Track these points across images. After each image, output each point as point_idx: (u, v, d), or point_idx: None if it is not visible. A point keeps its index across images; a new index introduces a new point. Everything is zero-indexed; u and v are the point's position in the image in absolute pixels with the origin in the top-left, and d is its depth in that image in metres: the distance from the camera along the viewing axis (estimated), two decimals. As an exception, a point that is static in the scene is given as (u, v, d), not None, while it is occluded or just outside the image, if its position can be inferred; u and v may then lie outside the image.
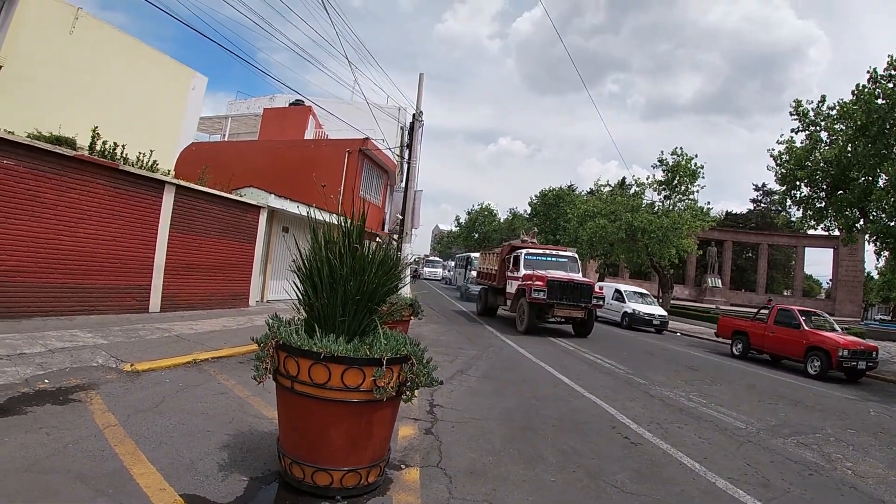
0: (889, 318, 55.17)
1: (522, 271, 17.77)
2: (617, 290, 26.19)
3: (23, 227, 8.15)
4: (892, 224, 17.78)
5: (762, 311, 18.18)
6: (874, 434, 7.79)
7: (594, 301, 16.75)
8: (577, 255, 20.38)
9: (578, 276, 18.09)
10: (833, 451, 6.53)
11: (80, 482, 3.45)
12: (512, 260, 19.18)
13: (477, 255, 33.22)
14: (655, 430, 6.61)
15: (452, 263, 52.78)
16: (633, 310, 24.33)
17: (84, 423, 4.49)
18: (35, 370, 5.53)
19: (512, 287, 18.39)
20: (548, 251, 20.05)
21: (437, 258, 73.54)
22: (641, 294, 26.78)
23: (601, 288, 17.49)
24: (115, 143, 9.96)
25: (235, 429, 4.90)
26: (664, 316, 24.86)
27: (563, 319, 16.92)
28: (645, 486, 4.73)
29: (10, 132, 8.23)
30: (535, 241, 22.63)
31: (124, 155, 10.11)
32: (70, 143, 9.23)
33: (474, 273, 28.99)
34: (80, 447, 4.00)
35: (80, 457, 3.85)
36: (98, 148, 9.74)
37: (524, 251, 18.99)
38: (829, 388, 12.27)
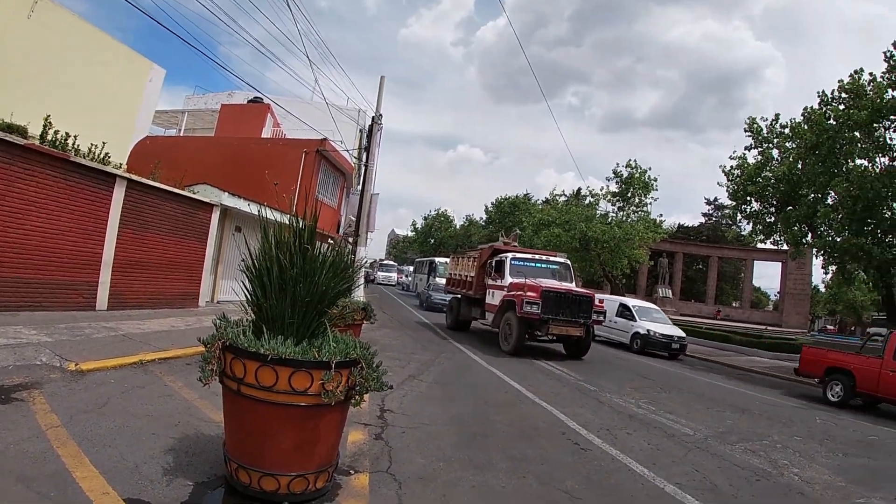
0: (835, 329, 57.41)
1: (508, 279, 15.11)
2: (623, 306, 21.35)
3: (-34, 217, 7.83)
4: (839, 240, 18.48)
5: (874, 337, 14.24)
6: (819, 441, 7.99)
7: (594, 316, 14.10)
8: (569, 262, 17.83)
9: (574, 287, 15.78)
10: (780, 458, 6.64)
11: (22, 484, 3.36)
12: (494, 265, 16.26)
13: (444, 259, 32.28)
14: (605, 437, 6.70)
15: (410, 268, 51.17)
16: (648, 330, 19.54)
17: (26, 423, 4.36)
18: None
19: (494, 298, 15.72)
20: (538, 256, 17.19)
21: (391, 262, 69.53)
22: (652, 310, 22.24)
23: (601, 301, 14.75)
24: (67, 134, 9.65)
25: (181, 432, 4.78)
26: (683, 338, 20.24)
27: (554, 338, 14.36)
28: (594, 492, 4.78)
29: (-43, 118, 7.90)
30: (516, 244, 19.46)
31: (76, 146, 9.79)
32: (21, 132, 8.89)
33: (440, 280, 27.39)
34: (22, 448, 3.88)
35: (22, 458, 3.73)
36: (50, 138, 9.43)
37: (510, 255, 16.06)
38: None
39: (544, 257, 17.22)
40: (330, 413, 3.70)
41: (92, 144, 10.24)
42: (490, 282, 16.28)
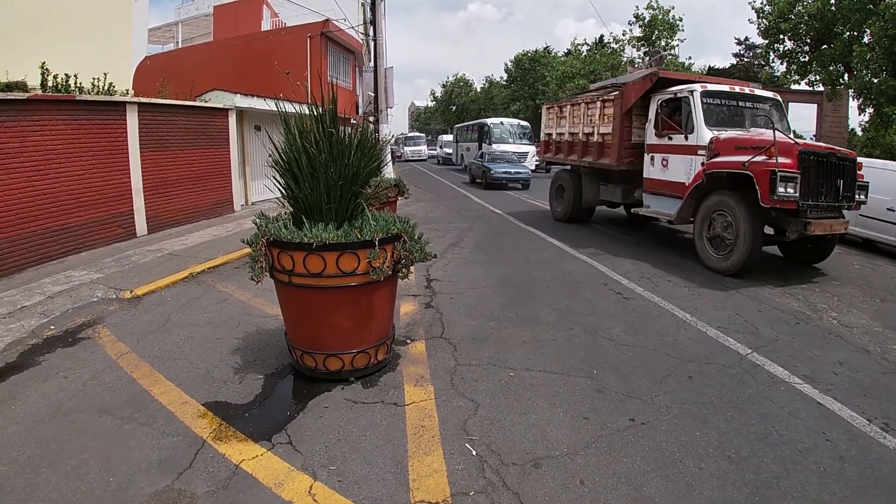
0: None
1: (704, 132, 8.59)
2: None
3: (-9, 182, 7.92)
4: (875, 81, 17.57)
5: None
6: (858, 286, 7.53)
7: (859, 196, 7.81)
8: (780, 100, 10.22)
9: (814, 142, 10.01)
10: (818, 302, 6.51)
11: (106, 414, 3.55)
12: (664, 107, 9.51)
13: (497, 120, 30.98)
14: (646, 285, 6.84)
15: (445, 137, 47.07)
16: None
17: (97, 358, 4.54)
18: (39, 319, 5.52)
19: (670, 168, 9.32)
20: (745, 90, 9.72)
21: (418, 134, 61.21)
22: None
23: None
24: (66, 75, 9.45)
25: (243, 332, 5.05)
26: None
27: (809, 244, 8.45)
28: (639, 338, 4.97)
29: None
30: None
31: (79, 84, 9.64)
32: (21, 87, 8.74)
33: (499, 147, 26.23)
34: (99, 381, 4.07)
35: (101, 390, 3.92)
36: (50, 84, 9.27)
37: (699, 89, 8.98)
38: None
39: (751, 91, 9.84)
40: (380, 289, 3.86)
41: (94, 78, 10.06)
42: (655, 140, 9.69)
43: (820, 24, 19.93)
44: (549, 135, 13.47)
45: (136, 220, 10.41)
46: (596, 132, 11.20)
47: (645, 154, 9.95)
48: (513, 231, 11.15)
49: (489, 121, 30.86)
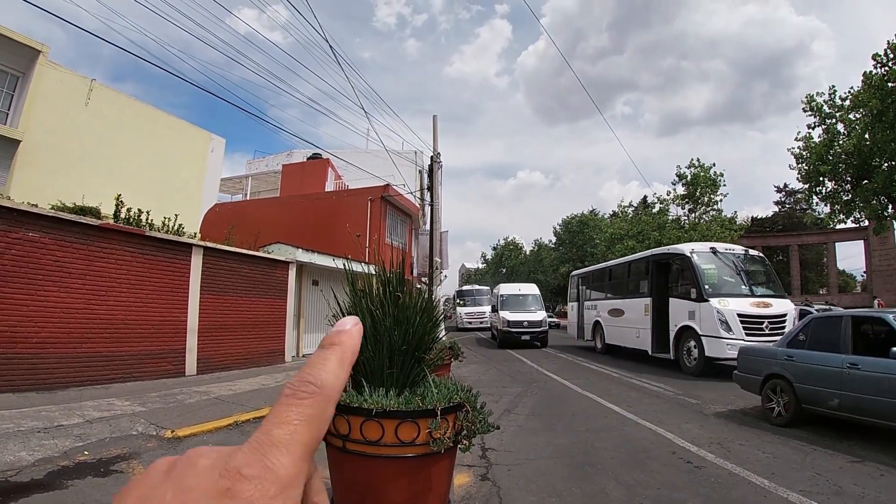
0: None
1: None
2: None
3: (53, 297, 8.23)
4: None
5: None
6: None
7: None
8: None
9: None
10: None
11: None
12: None
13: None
14: (717, 451, 6.33)
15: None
16: None
17: None
18: (74, 442, 5.48)
19: None
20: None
21: (480, 287, 41.32)
22: None
23: None
24: (139, 210, 10.08)
25: (286, 492, 4.75)
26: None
27: None
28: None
29: (33, 204, 8.36)
30: None
31: (150, 220, 10.22)
32: (94, 213, 9.35)
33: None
34: None
35: None
36: (123, 216, 9.86)
37: None
38: None
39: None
40: (439, 461, 3.59)
41: (165, 218, 10.66)
42: None
43: (858, 159, 20.14)
44: None
45: (187, 358, 10.48)
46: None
47: None
48: (571, 397, 10.67)
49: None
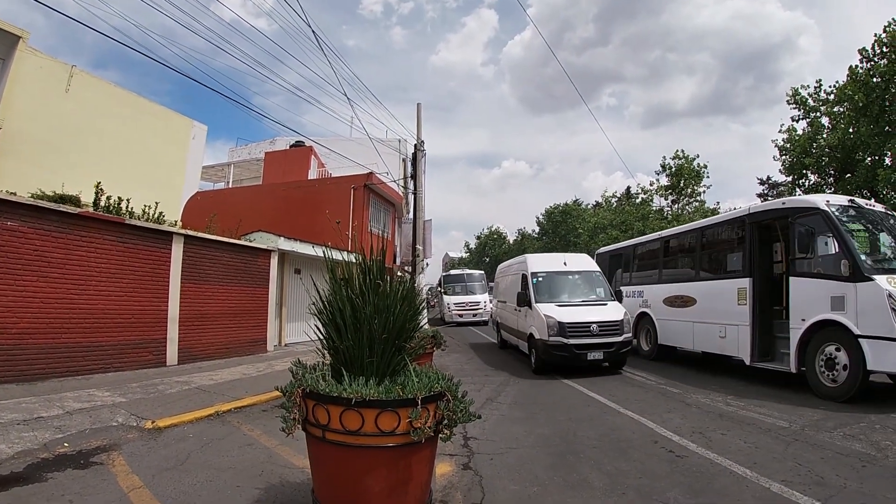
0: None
1: None
2: None
3: (32, 288, 8.11)
4: None
5: None
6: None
7: None
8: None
9: None
10: (881, 439, 6.21)
11: None
12: None
13: None
14: (699, 440, 6.36)
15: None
16: None
17: (108, 487, 4.32)
18: (53, 434, 5.41)
19: None
20: None
21: (472, 271, 34.62)
22: None
23: None
24: (119, 198, 9.94)
25: (266, 481, 4.71)
26: None
27: None
28: (699, 501, 4.52)
29: (12, 193, 8.21)
30: None
31: (130, 209, 10.08)
32: (74, 201, 9.20)
33: None
34: None
35: None
36: (103, 204, 9.72)
37: None
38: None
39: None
40: (420, 451, 3.57)
41: (145, 206, 10.52)
42: None
43: (841, 153, 20.50)
44: None
45: (168, 348, 10.39)
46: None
47: None
48: (554, 385, 10.62)
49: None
